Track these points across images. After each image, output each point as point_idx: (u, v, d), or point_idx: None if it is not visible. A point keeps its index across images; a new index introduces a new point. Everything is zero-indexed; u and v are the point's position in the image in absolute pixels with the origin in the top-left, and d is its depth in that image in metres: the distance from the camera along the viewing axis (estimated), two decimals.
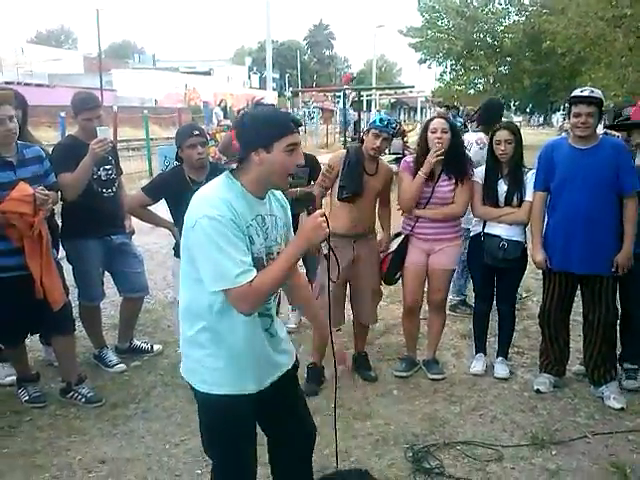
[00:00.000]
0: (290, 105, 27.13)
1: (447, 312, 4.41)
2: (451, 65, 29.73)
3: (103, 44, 48.24)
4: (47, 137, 11.26)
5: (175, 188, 3.66)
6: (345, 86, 21.42)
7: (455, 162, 3.87)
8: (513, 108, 37.05)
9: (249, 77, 67.39)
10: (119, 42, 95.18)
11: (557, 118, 32.24)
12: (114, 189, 4.11)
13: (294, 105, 29.28)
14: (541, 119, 54.68)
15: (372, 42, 68.45)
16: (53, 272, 3.47)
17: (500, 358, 4.19)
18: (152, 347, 4.48)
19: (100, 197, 4.01)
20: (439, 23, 28.57)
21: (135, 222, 4.33)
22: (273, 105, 5.08)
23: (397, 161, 8.56)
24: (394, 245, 4.06)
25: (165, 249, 6.68)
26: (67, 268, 4.04)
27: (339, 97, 22.57)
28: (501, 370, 4.12)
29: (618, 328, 3.87)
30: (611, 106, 12.10)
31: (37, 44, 58.37)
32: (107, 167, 4.05)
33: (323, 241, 2.02)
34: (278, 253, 2.08)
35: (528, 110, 36.14)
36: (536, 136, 23.05)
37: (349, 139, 15.94)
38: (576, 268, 3.69)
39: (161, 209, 3.94)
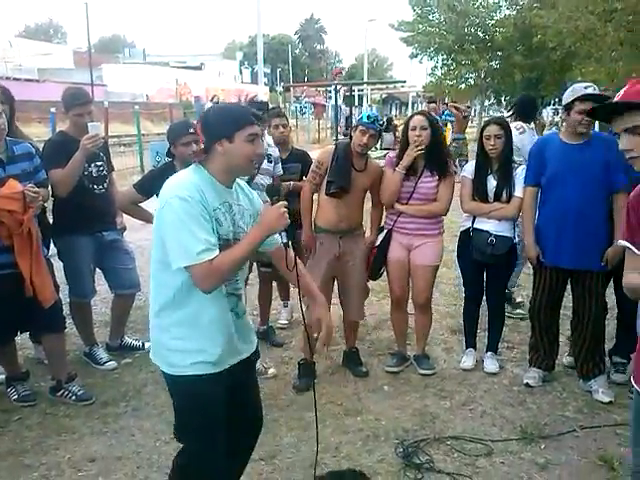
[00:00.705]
0: (282, 100, 27.10)
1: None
2: (442, 60, 29.69)
3: (93, 38, 47.81)
4: (38, 133, 11.16)
5: None
6: (335, 80, 21.40)
7: (436, 158, 3.90)
8: (504, 103, 37.08)
9: (240, 72, 67.09)
10: (109, 36, 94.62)
11: (547, 113, 32.30)
12: (105, 185, 4.10)
13: (286, 100, 29.23)
14: None
15: (363, 36, 68.47)
16: (43, 270, 3.45)
17: (490, 353, 4.21)
18: (143, 344, 4.47)
19: (91, 193, 4.00)
20: (430, 17, 28.53)
21: (126, 219, 4.31)
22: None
23: None
24: (378, 240, 4.08)
25: None
26: (58, 265, 4.03)
27: (330, 92, 22.57)
28: (491, 365, 4.14)
29: (615, 323, 3.91)
30: None
31: (26, 38, 57.85)
32: (98, 163, 4.04)
33: (282, 230, 2.16)
34: None
35: None
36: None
37: (341, 135, 15.95)
38: (567, 263, 3.71)
39: (152, 206, 3.92)
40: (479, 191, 3.99)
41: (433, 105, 14.84)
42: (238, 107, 2.37)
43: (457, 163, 13.39)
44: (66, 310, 4.02)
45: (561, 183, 3.65)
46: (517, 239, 4.11)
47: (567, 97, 3.63)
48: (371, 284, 4.38)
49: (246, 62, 71.16)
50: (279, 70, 70.18)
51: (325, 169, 3.86)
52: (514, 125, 5.10)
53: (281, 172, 4.41)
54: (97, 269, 4.32)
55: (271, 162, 4.25)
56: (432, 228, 3.98)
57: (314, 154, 4.50)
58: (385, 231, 4.07)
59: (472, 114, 36.59)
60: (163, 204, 2.05)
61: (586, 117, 3.47)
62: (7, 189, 3.24)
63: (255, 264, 4.47)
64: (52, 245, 4.00)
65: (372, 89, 32.51)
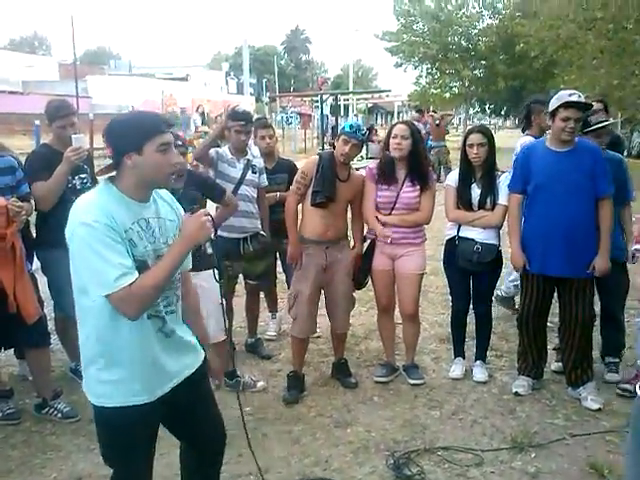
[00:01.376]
0: (268, 110, 27.13)
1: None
2: (427, 69, 29.89)
3: (78, 51, 47.60)
4: (21, 145, 11.08)
5: None
6: (321, 90, 21.48)
7: (418, 168, 3.91)
8: (488, 111, 37.39)
9: (226, 82, 67.06)
10: (94, 49, 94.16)
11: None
12: None
13: (272, 110, 29.27)
14: (516, 121, 55.21)
15: (349, 46, 68.82)
16: (27, 285, 3.41)
17: (479, 362, 4.21)
18: None
19: None
20: (414, 27, 28.72)
21: None
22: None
23: None
24: (363, 249, 4.09)
25: None
26: (42, 280, 3.98)
27: (317, 102, 22.64)
28: (480, 374, 4.14)
29: (598, 325, 3.92)
30: None
31: (10, 50, 57.49)
32: (82, 176, 3.99)
33: (208, 240, 2.03)
34: None
35: (503, 113, 36.46)
36: (511, 138, 23.25)
37: (327, 145, 16.00)
38: (555, 271, 3.71)
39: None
40: (463, 200, 4.00)
41: (417, 115, 14.95)
42: (146, 115, 2.13)
43: (442, 171, 13.50)
44: (51, 326, 3.97)
45: (547, 190, 3.66)
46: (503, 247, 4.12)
47: (552, 104, 3.64)
48: (359, 294, 4.37)
49: (232, 73, 71.17)
50: (265, 81, 70.21)
51: (310, 179, 3.85)
52: (521, 142, 4.56)
53: (266, 183, 4.40)
54: None
55: (255, 173, 4.24)
56: (415, 237, 3.99)
57: (300, 164, 4.49)
58: (369, 241, 4.07)
59: (455, 122, 36.88)
60: (70, 234, 1.93)
61: (570, 125, 3.50)
62: None
63: (241, 276, 4.43)
64: (36, 260, 3.95)
65: (358, 99, 32.63)
